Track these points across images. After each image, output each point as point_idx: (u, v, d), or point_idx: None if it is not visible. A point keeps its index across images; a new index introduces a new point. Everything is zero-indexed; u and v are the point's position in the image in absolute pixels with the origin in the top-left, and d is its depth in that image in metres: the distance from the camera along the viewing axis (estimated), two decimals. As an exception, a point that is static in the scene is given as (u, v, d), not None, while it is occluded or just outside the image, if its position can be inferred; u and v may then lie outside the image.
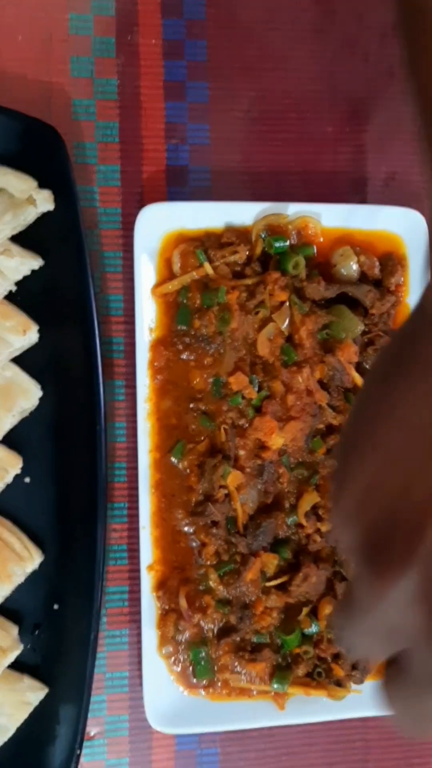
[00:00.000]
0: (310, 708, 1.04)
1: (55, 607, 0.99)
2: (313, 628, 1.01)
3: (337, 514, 0.52)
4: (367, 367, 1.04)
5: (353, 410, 0.58)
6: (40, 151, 0.96)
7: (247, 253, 1.02)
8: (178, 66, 1.06)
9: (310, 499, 1.01)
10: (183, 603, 1.00)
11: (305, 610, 1.01)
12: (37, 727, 0.98)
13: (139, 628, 1.03)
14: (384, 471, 0.51)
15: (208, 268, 1.01)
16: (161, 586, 1.01)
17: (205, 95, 1.07)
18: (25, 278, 0.98)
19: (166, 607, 1.01)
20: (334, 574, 1.03)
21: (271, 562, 1.01)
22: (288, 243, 1.03)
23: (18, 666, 0.98)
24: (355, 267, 1.05)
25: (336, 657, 1.03)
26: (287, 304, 1.01)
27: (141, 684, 1.01)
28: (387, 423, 0.52)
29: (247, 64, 1.08)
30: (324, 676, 1.03)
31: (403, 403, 0.52)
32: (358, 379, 1.03)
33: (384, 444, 0.52)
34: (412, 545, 0.48)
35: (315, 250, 1.05)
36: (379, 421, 0.53)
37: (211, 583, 1.02)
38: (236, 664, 1.02)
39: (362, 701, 1.04)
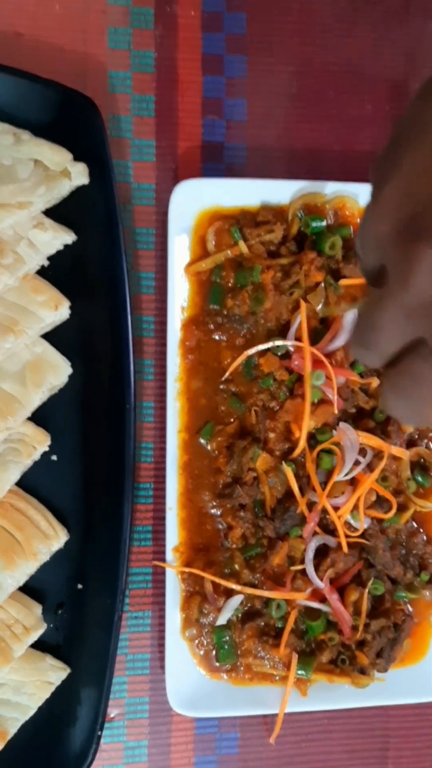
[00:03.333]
0: (332, 695, 1.03)
1: (79, 586, 0.99)
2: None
3: (375, 211, 0.57)
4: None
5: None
6: (75, 123, 0.94)
7: (283, 232, 1.01)
8: (217, 39, 1.04)
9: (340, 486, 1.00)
10: (208, 586, 0.99)
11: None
12: (58, 708, 0.97)
13: (161, 610, 1.02)
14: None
15: (242, 247, 1.00)
16: (187, 567, 1.00)
17: (244, 69, 1.05)
18: (58, 253, 0.96)
19: (191, 590, 1.00)
20: (361, 560, 1.02)
21: (299, 546, 0.99)
22: (325, 223, 1.01)
23: (40, 645, 0.97)
24: (391, 249, 1.03)
25: (361, 644, 1.02)
26: (322, 285, 0.99)
27: (162, 666, 1.00)
28: None
29: (287, 38, 1.06)
30: (348, 663, 1.02)
31: None
32: (392, 364, 1.02)
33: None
34: None
35: (352, 231, 1.03)
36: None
37: (236, 566, 1.00)
38: (260, 648, 1.01)
39: (384, 690, 1.04)
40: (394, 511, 1.01)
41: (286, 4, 1.06)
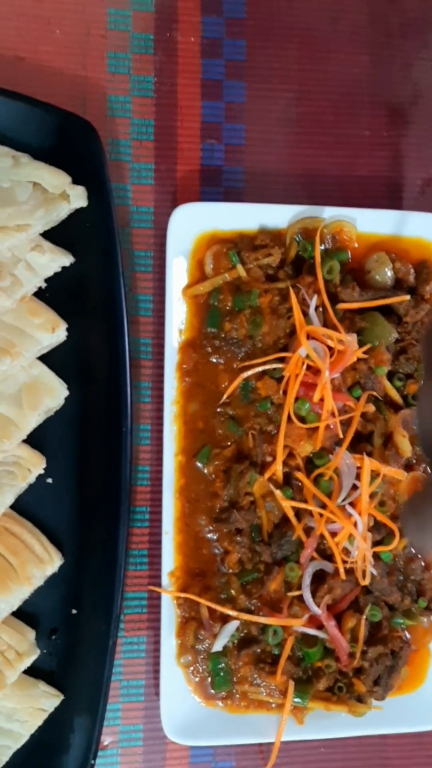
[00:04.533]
0: (329, 723, 1.01)
1: (73, 611, 0.97)
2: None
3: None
4: (400, 375, 1.02)
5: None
6: (75, 147, 0.95)
7: (281, 256, 1.01)
8: (217, 65, 1.05)
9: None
10: (204, 611, 0.98)
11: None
12: (50, 735, 0.96)
13: (157, 635, 1.00)
14: None
15: (240, 271, 1.00)
16: (182, 592, 0.99)
17: (243, 95, 1.06)
18: (55, 275, 0.96)
19: (187, 615, 0.99)
20: (359, 587, 1.01)
21: (296, 572, 0.98)
22: (323, 247, 1.01)
23: (33, 671, 0.96)
24: (389, 273, 1.03)
25: (358, 672, 1.00)
26: (320, 309, 0.99)
27: (157, 693, 0.99)
28: None
29: (286, 64, 1.07)
30: (345, 691, 1.01)
31: None
32: (390, 388, 1.01)
33: None
34: None
35: (349, 256, 1.03)
36: None
37: (232, 591, 0.99)
38: (256, 675, 1.00)
39: (382, 718, 1.02)
40: (396, 539, 1.00)
41: (285, 32, 1.06)
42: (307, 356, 0.96)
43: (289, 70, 1.07)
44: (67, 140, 0.95)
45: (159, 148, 1.04)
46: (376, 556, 1.01)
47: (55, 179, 0.93)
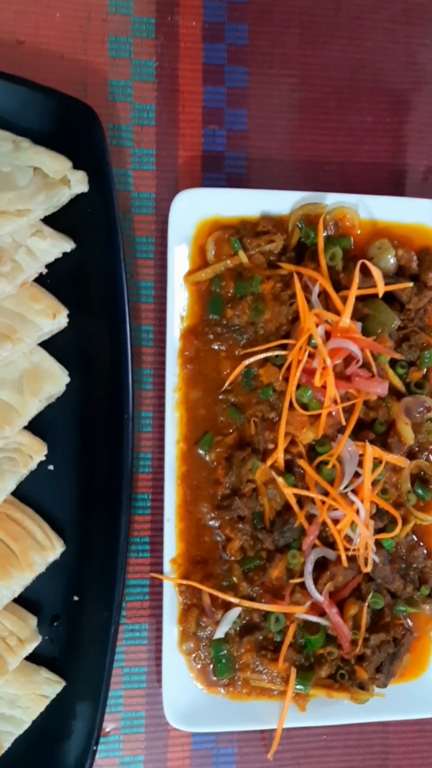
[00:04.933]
0: (330, 710, 1.01)
1: (75, 598, 0.97)
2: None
3: None
4: (403, 362, 1.02)
5: None
6: (75, 132, 0.94)
7: (283, 242, 1.00)
8: (218, 49, 1.04)
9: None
10: (206, 598, 0.98)
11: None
12: (52, 721, 0.96)
13: (159, 623, 1.00)
14: None
15: (242, 257, 0.99)
16: (184, 580, 0.99)
17: (245, 80, 1.05)
18: (56, 261, 0.96)
19: (189, 603, 0.99)
20: (361, 574, 1.01)
21: (298, 559, 0.98)
22: (325, 233, 1.01)
23: (35, 658, 0.96)
24: (392, 261, 1.03)
25: (360, 659, 1.00)
26: (323, 296, 0.98)
27: (159, 680, 0.99)
28: None
29: (288, 49, 1.06)
30: (347, 678, 1.00)
31: None
32: (392, 375, 1.01)
33: None
34: None
35: (352, 242, 1.03)
36: None
37: (234, 579, 0.99)
38: (258, 662, 1.00)
39: (384, 705, 1.02)
40: (399, 527, 1.00)
41: (288, 16, 1.06)
42: (310, 343, 0.96)
43: (291, 55, 1.06)
44: (68, 125, 0.94)
45: (160, 134, 1.03)
46: (379, 544, 1.01)
47: (56, 164, 0.92)
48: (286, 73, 1.06)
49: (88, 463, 0.98)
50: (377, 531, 1.00)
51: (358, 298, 0.99)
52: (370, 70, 1.08)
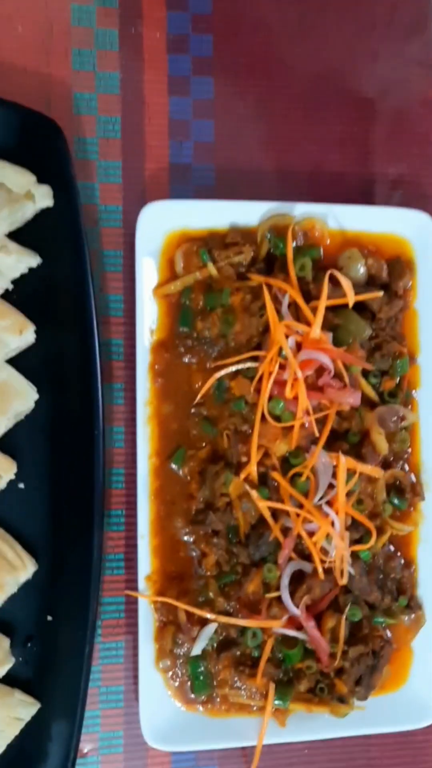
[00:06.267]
0: (311, 725, 1.00)
1: (49, 618, 0.96)
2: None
3: None
4: (375, 372, 1.01)
5: None
6: (39, 145, 0.93)
7: (252, 253, 1.00)
8: (183, 60, 1.04)
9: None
10: (182, 615, 0.97)
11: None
12: (28, 744, 0.94)
13: (135, 640, 0.99)
14: None
15: (211, 269, 0.98)
16: (160, 596, 0.97)
17: (211, 91, 1.04)
18: (22, 276, 0.95)
19: (164, 620, 0.98)
20: (338, 586, 1.00)
21: (274, 573, 0.97)
22: (294, 244, 1.00)
23: (9, 680, 0.94)
24: (362, 270, 1.02)
25: (339, 672, 0.99)
26: (293, 306, 0.98)
27: (137, 699, 0.98)
28: None
29: (254, 60, 1.06)
30: (326, 692, 0.99)
31: None
32: (365, 385, 1.00)
33: None
34: None
35: (321, 252, 1.03)
36: None
37: (210, 594, 0.98)
38: (236, 678, 0.99)
39: (365, 718, 1.01)
40: (374, 538, 0.99)
41: (252, 26, 1.05)
42: (281, 354, 0.95)
43: (256, 65, 1.06)
44: (32, 139, 0.93)
45: (126, 146, 1.02)
46: (355, 555, 1.00)
47: (20, 178, 0.91)
48: (252, 84, 1.06)
49: (59, 481, 0.97)
50: (354, 542, 0.99)
51: (329, 309, 0.99)
52: (336, 80, 1.08)
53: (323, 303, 0.96)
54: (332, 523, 0.96)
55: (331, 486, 0.97)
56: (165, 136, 1.03)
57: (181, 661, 0.98)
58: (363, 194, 1.08)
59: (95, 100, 1.01)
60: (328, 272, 0.97)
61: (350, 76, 1.08)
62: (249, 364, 0.97)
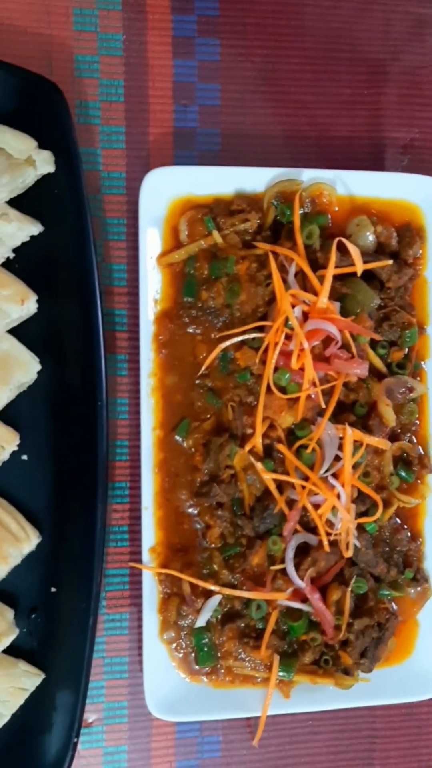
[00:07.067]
0: (315, 696, 1.00)
1: (53, 590, 0.96)
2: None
3: None
4: (383, 342, 0.99)
5: None
6: (40, 110, 0.91)
7: (258, 221, 0.97)
8: (188, 21, 1.01)
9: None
10: (186, 587, 0.97)
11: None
12: (32, 714, 0.94)
13: (139, 612, 0.99)
14: None
15: (216, 237, 0.96)
16: (164, 568, 0.97)
17: (216, 53, 1.02)
18: (24, 245, 0.93)
19: (169, 591, 0.98)
20: (343, 558, 0.99)
21: (279, 545, 0.97)
22: (302, 211, 0.98)
23: (13, 651, 0.94)
24: (371, 238, 1.00)
25: (344, 644, 0.99)
26: (300, 275, 0.96)
27: (141, 670, 0.98)
28: None
29: (261, 20, 1.02)
30: (331, 664, 0.99)
31: None
32: (373, 356, 0.99)
33: None
34: None
35: (329, 219, 1.00)
36: None
37: (215, 566, 0.98)
38: (240, 650, 0.99)
39: (370, 690, 1.01)
40: (380, 510, 0.98)
41: (259, -16, 1.02)
42: (287, 324, 0.93)
43: (264, 25, 1.03)
44: (32, 103, 0.91)
45: (129, 110, 1.00)
46: (361, 528, 0.99)
47: (20, 144, 0.89)
48: (259, 45, 1.03)
49: (63, 452, 0.96)
50: (360, 515, 0.98)
51: (337, 278, 0.97)
52: (346, 40, 1.05)
53: (331, 272, 0.94)
54: (338, 496, 0.95)
55: (337, 458, 0.96)
56: (169, 101, 1.01)
57: (185, 632, 0.98)
58: (373, 159, 1.06)
59: (97, 62, 0.99)
60: (336, 240, 0.95)
61: (361, 36, 1.05)
62: (255, 335, 0.96)
